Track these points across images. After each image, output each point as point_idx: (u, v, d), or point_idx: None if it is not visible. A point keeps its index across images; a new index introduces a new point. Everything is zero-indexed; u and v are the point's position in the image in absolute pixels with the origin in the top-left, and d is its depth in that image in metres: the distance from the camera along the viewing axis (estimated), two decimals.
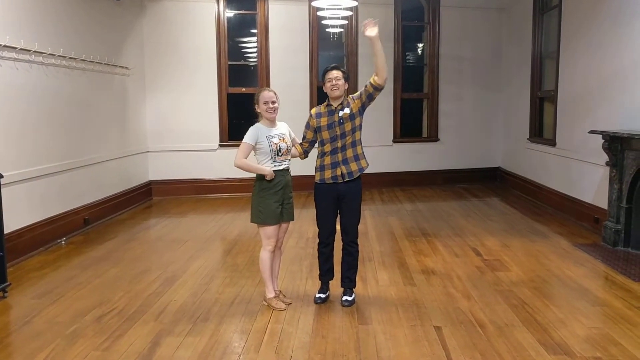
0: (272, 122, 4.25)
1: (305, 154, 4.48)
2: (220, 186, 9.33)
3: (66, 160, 6.48)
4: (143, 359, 3.47)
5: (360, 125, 4.32)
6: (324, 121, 4.30)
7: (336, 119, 4.25)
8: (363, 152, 4.36)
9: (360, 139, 4.34)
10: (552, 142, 7.81)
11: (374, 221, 7.30)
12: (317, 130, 4.34)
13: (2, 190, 4.65)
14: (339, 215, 4.36)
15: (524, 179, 8.99)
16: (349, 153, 4.28)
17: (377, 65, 4.18)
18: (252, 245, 6.18)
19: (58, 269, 5.33)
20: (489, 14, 10.01)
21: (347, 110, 4.25)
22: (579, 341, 3.65)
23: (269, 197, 4.18)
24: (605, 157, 5.97)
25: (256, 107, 4.23)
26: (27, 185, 5.70)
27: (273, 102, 4.18)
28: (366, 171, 4.38)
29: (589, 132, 6.17)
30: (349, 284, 4.41)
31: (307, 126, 4.41)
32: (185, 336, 3.80)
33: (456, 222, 7.18)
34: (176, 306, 4.35)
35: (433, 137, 10.08)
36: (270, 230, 4.21)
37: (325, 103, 4.35)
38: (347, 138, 4.27)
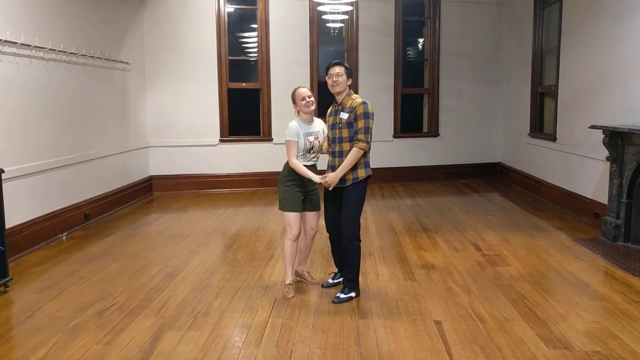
0: (310, 119, 4.39)
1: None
2: (220, 181, 9.34)
3: (67, 155, 6.49)
4: (144, 353, 3.49)
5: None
6: (330, 120, 4.38)
7: (337, 120, 4.28)
8: (365, 162, 4.25)
9: None
10: (552, 137, 7.81)
11: (374, 216, 7.31)
12: (327, 128, 4.43)
13: (3, 185, 4.66)
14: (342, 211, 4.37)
15: (524, 174, 8.99)
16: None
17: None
18: (253, 240, 6.20)
19: (59, 264, 5.35)
20: (490, 9, 9.99)
21: (344, 116, 4.21)
22: (579, 335, 3.67)
23: (293, 187, 4.38)
24: (605, 152, 5.97)
25: (294, 106, 4.39)
26: (28, 180, 5.71)
27: (309, 97, 4.33)
28: None
29: (589, 127, 6.17)
30: (344, 281, 4.41)
31: (327, 125, 4.48)
32: (186, 330, 3.81)
33: (456, 217, 7.19)
34: (177, 301, 4.37)
35: (433, 132, 10.08)
36: (292, 217, 4.38)
37: (334, 101, 4.38)
38: (343, 145, 4.24)
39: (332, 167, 4.33)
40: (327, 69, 4.30)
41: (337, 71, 4.22)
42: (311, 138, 4.36)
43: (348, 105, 4.22)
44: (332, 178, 4.22)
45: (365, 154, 4.25)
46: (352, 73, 4.34)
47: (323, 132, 4.49)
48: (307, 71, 9.38)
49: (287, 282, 4.47)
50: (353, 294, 4.33)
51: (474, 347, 3.51)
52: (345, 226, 4.27)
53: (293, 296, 4.38)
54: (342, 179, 4.25)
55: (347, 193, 4.27)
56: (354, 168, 4.23)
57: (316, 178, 4.28)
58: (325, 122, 4.52)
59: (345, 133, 4.22)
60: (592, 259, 5.34)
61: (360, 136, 4.15)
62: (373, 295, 4.43)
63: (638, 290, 4.48)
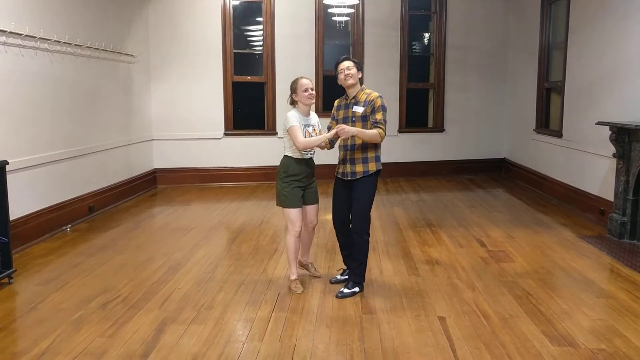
0: (307, 111, 4.40)
1: (331, 145, 4.49)
2: (224, 175, 9.33)
3: (71, 148, 6.49)
4: (147, 346, 3.49)
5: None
6: (341, 114, 4.39)
7: (350, 114, 4.30)
8: (377, 156, 4.30)
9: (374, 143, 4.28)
10: (558, 134, 7.76)
11: (379, 211, 7.29)
12: (337, 122, 4.41)
13: (7, 176, 4.67)
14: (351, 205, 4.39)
15: (529, 170, 8.95)
16: (357, 154, 4.27)
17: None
18: (257, 233, 6.19)
19: (63, 256, 5.36)
20: (496, 4, 9.92)
21: (359, 110, 4.24)
22: (583, 333, 3.65)
23: (292, 183, 4.38)
24: (612, 149, 5.93)
25: (294, 96, 4.38)
26: (32, 172, 5.71)
27: (312, 89, 4.35)
28: None
29: (596, 124, 6.12)
30: (350, 275, 4.43)
31: (332, 117, 4.48)
32: (190, 324, 3.81)
33: (461, 213, 7.16)
34: (180, 294, 4.37)
35: (438, 128, 10.04)
36: (293, 213, 4.38)
37: (344, 95, 4.41)
38: (356, 138, 4.26)
39: (344, 161, 4.35)
40: (336, 66, 4.34)
41: (347, 65, 4.28)
42: (310, 129, 4.38)
43: (363, 99, 4.26)
44: (348, 128, 4.16)
45: (377, 147, 4.29)
46: (361, 66, 4.39)
47: (318, 126, 4.51)
48: (312, 65, 9.35)
49: (293, 277, 4.47)
50: (357, 289, 4.34)
51: (478, 344, 3.50)
52: (355, 219, 4.31)
53: (303, 290, 4.38)
54: (353, 172, 4.28)
55: (357, 187, 4.30)
56: (365, 161, 4.26)
57: (330, 134, 4.24)
58: (322, 114, 4.60)
59: (358, 127, 4.24)
60: (598, 256, 5.31)
61: (381, 126, 4.21)
62: (377, 291, 4.42)
63: None
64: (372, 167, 4.28)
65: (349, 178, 4.32)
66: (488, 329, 3.71)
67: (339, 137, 4.23)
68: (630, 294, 4.32)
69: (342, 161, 4.37)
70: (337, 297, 4.27)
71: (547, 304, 4.12)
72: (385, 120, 4.23)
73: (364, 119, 4.23)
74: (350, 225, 4.40)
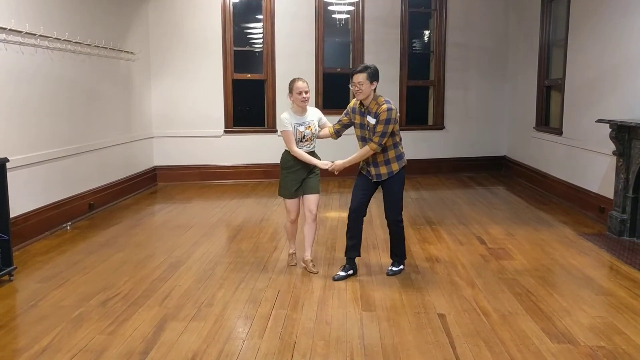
0: (302, 110, 4.59)
1: (336, 134, 4.74)
2: (225, 172, 9.33)
3: (71, 145, 6.49)
4: (147, 344, 3.49)
5: (391, 132, 4.43)
6: (357, 119, 4.55)
7: (365, 122, 4.44)
8: (397, 155, 4.53)
9: (392, 144, 4.50)
10: (558, 131, 7.76)
11: (379, 209, 7.23)
12: (353, 123, 4.60)
13: (8, 174, 4.67)
14: (383, 198, 4.67)
15: (529, 167, 8.95)
16: (379, 157, 4.51)
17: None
18: (257, 231, 6.19)
19: (63, 254, 5.36)
20: (497, 1, 9.89)
21: (372, 121, 4.37)
22: (583, 330, 3.65)
23: (288, 175, 4.67)
24: (612, 147, 5.93)
25: (289, 96, 4.57)
26: (32, 169, 5.71)
27: (306, 92, 4.54)
28: None
29: (596, 121, 6.12)
30: (394, 257, 4.76)
31: (346, 113, 4.65)
32: (190, 321, 3.82)
33: (461, 211, 7.16)
34: (181, 291, 4.37)
35: (439, 125, 10.03)
36: (287, 203, 4.75)
37: (359, 101, 4.52)
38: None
39: (367, 163, 4.58)
40: (350, 76, 4.41)
41: (360, 80, 4.33)
42: (302, 128, 4.57)
43: (374, 110, 4.38)
44: (339, 166, 4.55)
45: (396, 147, 4.50)
46: (376, 75, 4.38)
47: (319, 121, 4.70)
48: (312, 62, 9.34)
49: (290, 251, 4.96)
50: (402, 267, 4.73)
51: (477, 341, 3.50)
52: (390, 210, 4.64)
53: (295, 264, 4.83)
54: (378, 174, 4.52)
55: (387, 185, 4.56)
56: (387, 163, 4.50)
57: (321, 164, 4.57)
58: (322, 112, 4.81)
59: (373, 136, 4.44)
60: (597, 254, 5.31)
61: (375, 139, 4.38)
62: (377, 288, 4.43)
63: None
64: (395, 167, 4.51)
65: (375, 180, 4.55)
66: (488, 327, 3.71)
67: (331, 167, 4.59)
68: (629, 292, 4.32)
69: (366, 163, 4.59)
70: (387, 275, 4.63)
71: (547, 302, 4.13)
72: (384, 133, 4.35)
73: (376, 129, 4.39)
74: (364, 217, 4.74)
